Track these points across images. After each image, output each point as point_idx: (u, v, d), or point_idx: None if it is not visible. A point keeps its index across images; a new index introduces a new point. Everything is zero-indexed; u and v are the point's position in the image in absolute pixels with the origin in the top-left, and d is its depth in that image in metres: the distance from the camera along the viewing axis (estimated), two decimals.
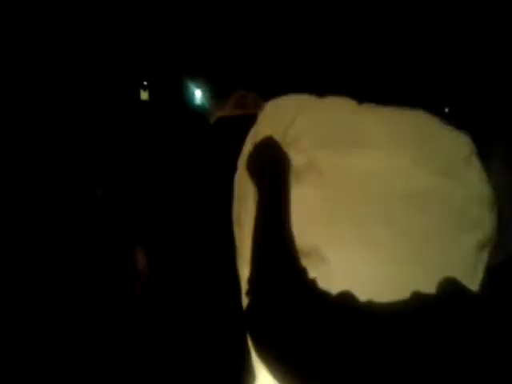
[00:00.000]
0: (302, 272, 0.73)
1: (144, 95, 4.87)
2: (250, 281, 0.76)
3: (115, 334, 1.96)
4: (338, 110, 1.01)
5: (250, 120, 1.05)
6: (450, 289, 0.65)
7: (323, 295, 0.69)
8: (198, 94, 5.22)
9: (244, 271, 0.92)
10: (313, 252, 0.84)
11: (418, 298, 0.64)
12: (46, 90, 4.14)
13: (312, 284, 0.71)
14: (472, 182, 0.90)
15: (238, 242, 1.02)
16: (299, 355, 0.64)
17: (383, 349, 0.58)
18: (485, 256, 0.87)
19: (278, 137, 0.96)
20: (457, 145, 0.94)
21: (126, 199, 2.09)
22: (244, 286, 0.87)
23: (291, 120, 0.98)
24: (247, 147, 1.03)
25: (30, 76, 4.14)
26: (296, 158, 0.93)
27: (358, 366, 0.58)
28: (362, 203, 0.90)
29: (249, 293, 0.75)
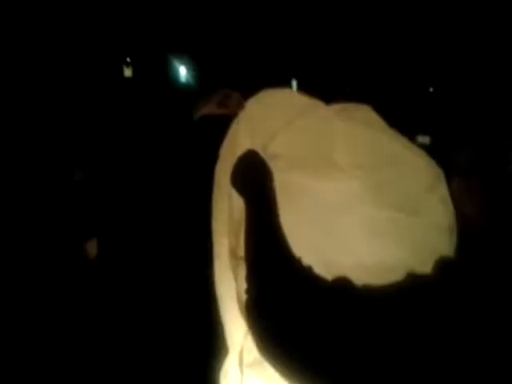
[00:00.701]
0: (298, 261, 0.75)
1: (127, 72, 4.80)
2: (249, 277, 0.79)
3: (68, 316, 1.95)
4: (312, 126, 1.03)
5: (231, 120, 1.07)
6: (443, 269, 0.66)
7: (321, 281, 0.70)
8: (183, 72, 5.15)
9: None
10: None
11: (412, 279, 0.65)
12: (26, 67, 4.05)
13: (309, 271, 0.73)
14: (432, 212, 0.95)
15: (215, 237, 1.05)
16: (300, 341, 0.65)
17: (382, 329, 0.59)
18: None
19: (257, 149, 0.99)
20: (420, 172, 0.99)
21: (102, 185, 2.05)
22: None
23: (270, 137, 1.02)
24: (226, 149, 1.06)
25: (8, 49, 4.04)
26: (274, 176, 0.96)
27: (358, 348, 0.59)
28: (321, 228, 0.94)
29: (248, 289, 0.77)
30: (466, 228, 0.83)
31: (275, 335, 0.69)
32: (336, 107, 1.07)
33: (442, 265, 0.70)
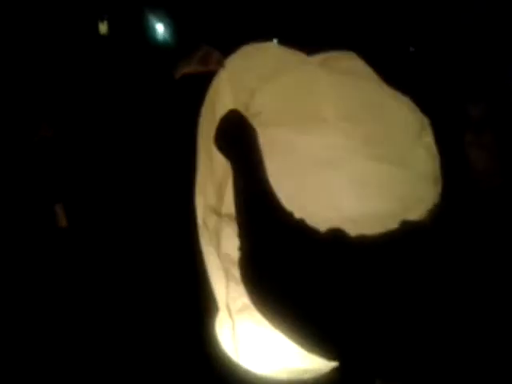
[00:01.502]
0: (290, 214, 0.76)
1: (103, 29, 4.65)
2: (241, 233, 0.79)
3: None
4: (296, 81, 1.02)
5: (211, 78, 1.06)
6: (436, 216, 0.67)
7: (314, 232, 0.71)
8: (160, 29, 5.01)
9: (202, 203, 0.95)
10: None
11: (405, 227, 0.66)
12: None
13: (302, 223, 0.74)
14: (417, 162, 0.97)
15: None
16: (296, 293, 0.65)
17: (377, 278, 0.59)
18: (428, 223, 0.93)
19: (239, 108, 0.98)
20: (407, 121, 1.01)
21: (68, 144, 1.96)
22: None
23: (252, 94, 1.00)
24: (207, 108, 1.05)
25: None
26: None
27: (352, 298, 0.60)
28: (309, 184, 0.95)
29: (242, 245, 0.77)
30: (477, 185, 0.83)
31: (272, 289, 0.70)
32: (319, 57, 1.06)
33: (435, 213, 0.71)
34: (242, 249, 0.79)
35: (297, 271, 0.68)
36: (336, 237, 0.70)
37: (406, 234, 0.67)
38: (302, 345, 0.67)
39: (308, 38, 1.07)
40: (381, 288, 0.60)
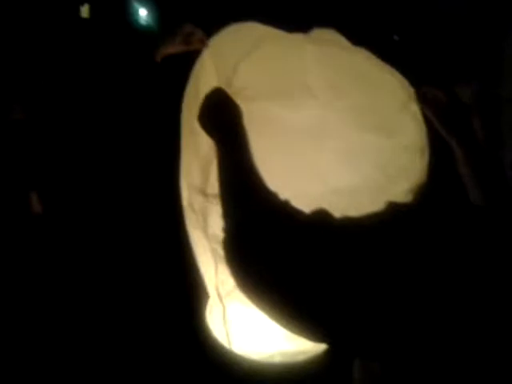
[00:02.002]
0: (275, 195, 0.76)
1: (84, 12, 4.57)
2: (225, 214, 0.78)
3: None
4: (280, 53, 1.02)
5: (194, 57, 1.05)
6: (422, 196, 0.67)
7: (299, 214, 0.71)
8: (143, 13, 4.95)
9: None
10: None
11: (391, 208, 0.65)
12: None
13: (286, 204, 0.73)
14: (403, 132, 0.98)
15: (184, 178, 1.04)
16: (280, 276, 0.65)
17: (362, 261, 0.59)
18: (415, 195, 0.93)
19: (223, 85, 0.97)
20: (393, 91, 1.01)
21: (43, 127, 1.89)
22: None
23: (233, 69, 0.99)
24: (191, 87, 1.04)
25: None
26: (241, 108, 0.94)
27: (340, 282, 0.59)
28: (295, 158, 0.95)
29: (225, 226, 0.77)
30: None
31: (255, 271, 0.69)
32: (302, 34, 1.05)
33: (421, 192, 0.71)
34: (225, 230, 0.78)
35: (280, 253, 0.67)
36: (320, 219, 0.70)
37: (391, 216, 0.66)
38: (287, 327, 0.67)
39: (291, 20, 1.06)
40: (364, 270, 0.60)
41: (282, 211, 0.73)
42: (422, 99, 0.96)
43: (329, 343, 0.68)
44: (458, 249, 0.57)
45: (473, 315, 0.54)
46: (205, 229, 0.99)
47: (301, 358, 0.95)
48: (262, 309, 0.68)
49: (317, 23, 1.05)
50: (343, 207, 0.76)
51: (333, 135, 0.98)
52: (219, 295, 0.97)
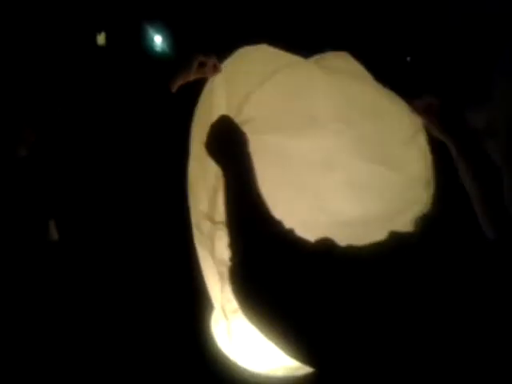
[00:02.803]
0: (280, 224, 0.76)
1: (100, 40, 4.67)
2: (232, 243, 0.79)
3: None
4: (291, 84, 1.03)
5: (203, 83, 1.07)
6: (426, 224, 0.67)
7: (303, 243, 0.70)
8: (158, 40, 5.04)
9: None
10: None
11: (394, 238, 0.65)
12: None
13: (290, 233, 0.73)
14: (410, 164, 0.98)
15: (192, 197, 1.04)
16: (284, 305, 0.65)
17: (365, 290, 0.58)
18: (420, 226, 0.94)
19: (232, 112, 0.98)
20: (401, 123, 1.00)
21: (53, 161, 1.89)
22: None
23: (245, 97, 1.02)
24: (201, 112, 1.06)
25: None
26: (250, 139, 0.95)
27: (343, 311, 0.59)
28: (301, 189, 0.96)
29: (231, 256, 0.77)
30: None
31: (259, 300, 0.69)
32: (313, 58, 1.06)
33: (424, 223, 0.70)
34: (231, 259, 0.78)
35: (284, 283, 0.68)
36: (325, 247, 0.70)
37: (394, 246, 0.66)
38: (288, 354, 0.67)
39: (302, 42, 1.07)
40: (366, 300, 0.59)
41: (287, 240, 0.73)
42: (422, 109, 0.96)
43: (322, 371, 0.67)
44: (458, 281, 0.56)
45: (473, 352, 0.53)
46: (212, 252, 0.99)
47: (301, 371, 0.95)
48: (264, 335, 0.68)
49: (328, 45, 1.05)
50: (348, 239, 0.75)
51: (339, 167, 0.98)
52: (224, 312, 0.97)
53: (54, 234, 1.93)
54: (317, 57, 1.09)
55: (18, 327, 1.82)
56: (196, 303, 1.19)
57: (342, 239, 0.74)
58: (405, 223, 0.95)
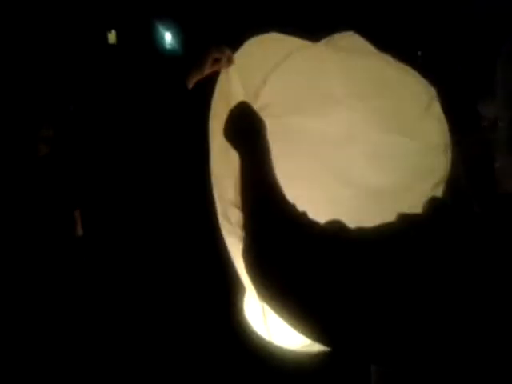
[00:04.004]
0: (292, 207, 0.77)
1: (111, 38, 4.70)
2: (245, 224, 0.80)
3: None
4: (303, 62, 1.04)
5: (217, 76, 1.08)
6: (435, 206, 0.67)
7: (314, 226, 0.72)
8: (168, 37, 5.07)
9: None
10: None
11: (403, 220, 0.66)
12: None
13: (303, 216, 0.75)
14: (427, 132, 0.98)
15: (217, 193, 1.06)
16: (294, 286, 0.66)
17: (374, 272, 0.60)
18: (439, 192, 0.96)
19: (250, 99, 0.99)
20: (416, 93, 1.01)
21: (73, 160, 1.91)
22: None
23: (261, 82, 1.02)
24: (218, 100, 1.06)
25: None
26: (269, 123, 0.96)
27: (352, 292, 0.60)
28: (326, 167, 0.96)
29: (245, 235, 0.78)
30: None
31: (272, 280, 0.70)
32: (322, 41, 1.07)
33: (434, 205, 0.71)
34: (244, 240, 0.80)
35: (294, 263, 0.69)
36: (334, 230, 0.71)
37: (402, 228, 0.67)
38: (304, 334, 0.68)
39: (310, 30, 1.09)
40: (376, 282, 0.61)
41: (298, 222, 0.75)
42: None
43: (338, 352, 0.69)
44: (466, 265, 0.58)
45: (478, 320, 0.55)
46: (241, 238, 1.00)
47: None
48: (279, 315, 0.70)
49: (337, 29, 1.07)
50: (374, 208, 0.77)
51: (359, 139, 0.99)
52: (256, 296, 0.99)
53: (80, 230, 1.96)
54: (324, 40, 1.10)
55: (43, 319, 1.85)
56: (228, 288, 1.21)
57: (370, 210, 0.75)
58: (427, 189, 0.96)
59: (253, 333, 1.00)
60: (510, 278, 0.55)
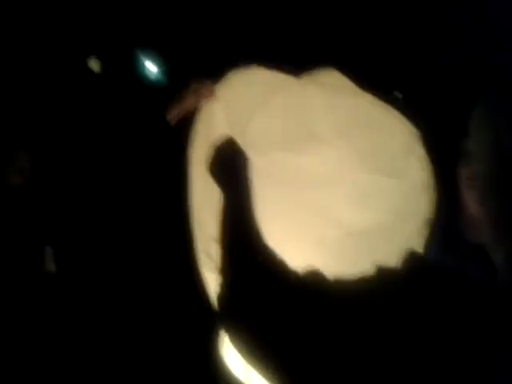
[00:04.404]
0: (272, 253, 0.76)
1: (94, 66, 4.70)
2: (222, 270, 0.79)
3: None
4: (288, 101, 1.05)
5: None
6: (411, 260, 0.67)
7: (293, 275, 0.71)
8: (151, 68, 5.09)
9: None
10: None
11: (382, 273, 0.66)
12: None
13: (282, 264, 0.73)
14: (411, 174, 1.01)
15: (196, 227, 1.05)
16: (267, 336, 0.65)
17: (349, 326, 0.59)
18: (424, 234, 0.97)
19: (234, 133, 1.00)
20: (399, 134, 1.03)
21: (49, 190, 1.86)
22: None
23: (247, 118, 1.03)
24: (200, 134, 1.07)
25: None
26: (256, 160, 0.97)
27: (325, 345, 0.59)
28: (312, 207, 0.98)
29: (222, 281, 0.77)
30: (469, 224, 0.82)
31: (243, 328, 0.69)
32: (304, 77, 1.09)
33: (411, 259, 0.71)
34: (220, 286, 0.78)
35: (268, 313, 0.68)
36: (311, 281, 0.71)
37: (380, 282, 0.67)
38: (269, 381, 0.67)
39: (289, 59, 1.10)
40: (347, 335, 0.61)
41: (276, 270, 0.74)
42: None
43: None
44: (441, 321, 0.57)
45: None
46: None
47: None
48: (247, 361, 0.69)
49: (317, 64, 1.08)
50: (359, 249, 0.76)
51: (344, 179, 1.01)
52: None
53: (52, 266, 1.90)
54: (305, 75, 1.12)
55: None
56: (206, 325, 1.18)
57: (355, 251, 0.75)
58: (412, 231, 0.97)
59: (231, 375, 0.98)
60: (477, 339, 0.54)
